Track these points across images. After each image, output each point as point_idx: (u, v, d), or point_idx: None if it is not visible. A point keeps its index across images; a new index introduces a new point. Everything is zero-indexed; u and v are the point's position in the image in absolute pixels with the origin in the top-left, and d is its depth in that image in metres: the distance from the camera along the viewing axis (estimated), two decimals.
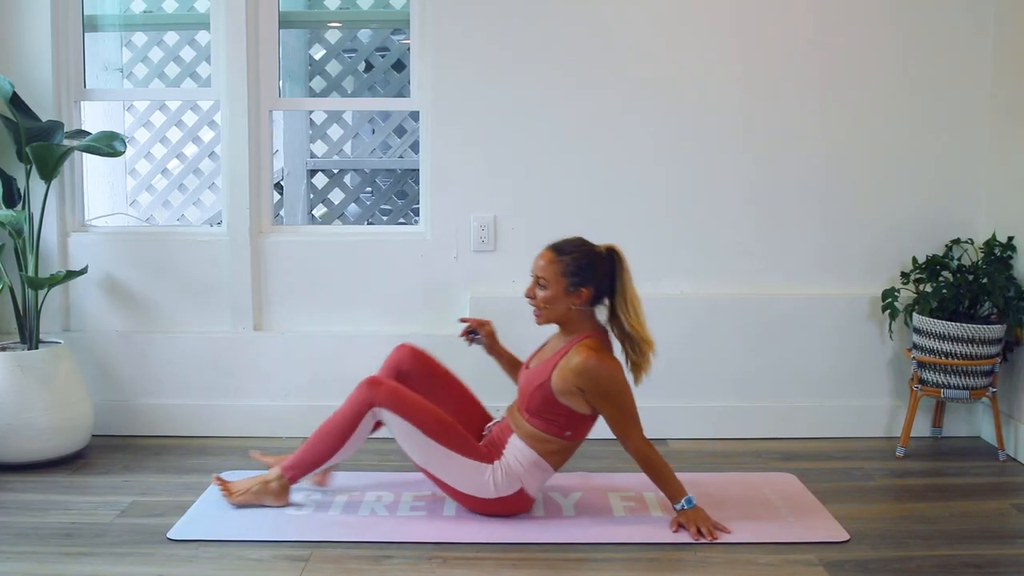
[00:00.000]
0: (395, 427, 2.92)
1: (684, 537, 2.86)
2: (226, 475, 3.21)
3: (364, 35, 6.21)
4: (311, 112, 6.35)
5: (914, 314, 3.70)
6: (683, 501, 2.91)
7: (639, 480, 3.35)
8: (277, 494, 3.03)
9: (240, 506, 3.02)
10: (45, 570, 2.63)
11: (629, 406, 2.92)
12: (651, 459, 2.92)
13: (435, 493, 3.13)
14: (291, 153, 6.30)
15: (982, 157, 3.90)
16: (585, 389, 2.87)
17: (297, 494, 3.16)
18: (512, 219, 3.88)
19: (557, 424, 2.92)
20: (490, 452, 2.96)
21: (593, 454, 3.68)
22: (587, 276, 2.92)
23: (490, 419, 3.19)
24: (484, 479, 2.93)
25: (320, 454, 2.97)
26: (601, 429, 3.86)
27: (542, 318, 2.96)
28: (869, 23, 3.84)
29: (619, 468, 3.52)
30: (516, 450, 2.94)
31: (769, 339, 3.90)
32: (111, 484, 3.33)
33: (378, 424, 2.97)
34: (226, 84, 3.84)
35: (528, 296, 2.95)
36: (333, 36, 6.05)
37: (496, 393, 3.32)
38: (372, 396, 2.91)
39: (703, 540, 2.82)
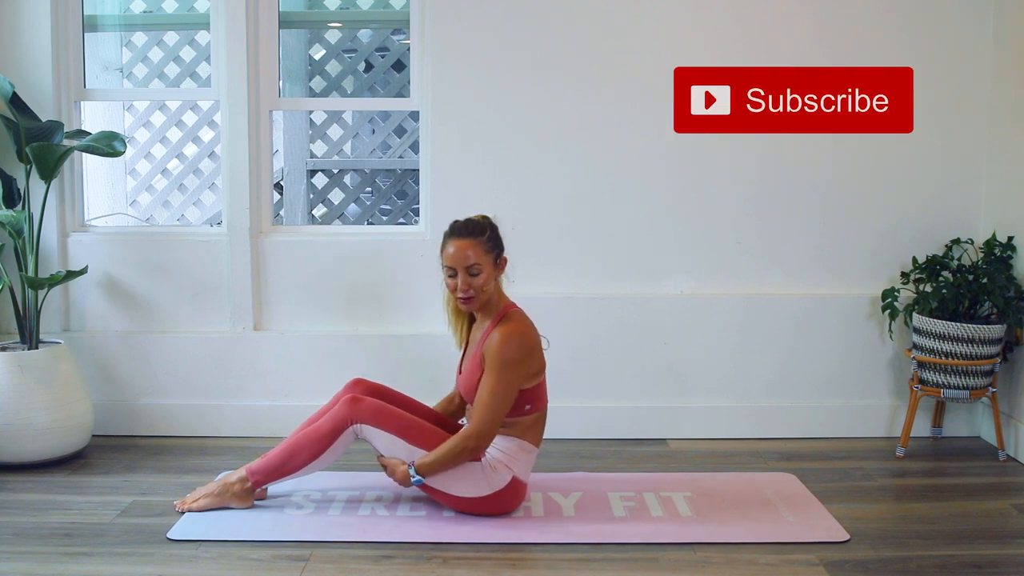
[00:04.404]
0: (379, 441, 2.95)
1: (684, 537, 2.86)
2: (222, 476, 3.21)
3: (364, 35, 6.20)
4: (311, 112, 6.35)
5: (914, 314, 3.70)
6: (417, 476, 2.90)
7: (639, 480, 3.36)
8: (241, 497, 3.02)
9: (202, 510, 3.01)
10: (45, 570, 2.63)
11: (503, 386, 2.87)
12: (461, 446, 2.87)
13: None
14: (291, 153, 6.30)
15: (982, 157, 3.90)
16: (486, 353, 2.89)
17: (297, 494, 3.16)
18: (512, 219, 3.86)
19: (514, 405, 2.93)
20: None
21: (593, 454, 3.68)
22: (501, 245, 3.01)
23: (459, 427, 3.18)
24: (475, 477, 2.94)
25: (291, 464, 2.98)
26: (598, 429, 3.88)
27: (477, 302, 2.96)
28: (870, 24, 3.84)
29: (619, 468, 3.52)
30: (494, 443, 2.96)
31: (769, 339, 3.90)
32: (111, 484, 3.33)
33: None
34: (226, 84, 3.84)
35: (463, 289, 2.93)
36: (333, 36, 6.05)
37: None
38: (353, 413, 2.93)
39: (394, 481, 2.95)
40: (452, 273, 2.95)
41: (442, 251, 2.97)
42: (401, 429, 2.94)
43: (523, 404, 2.96)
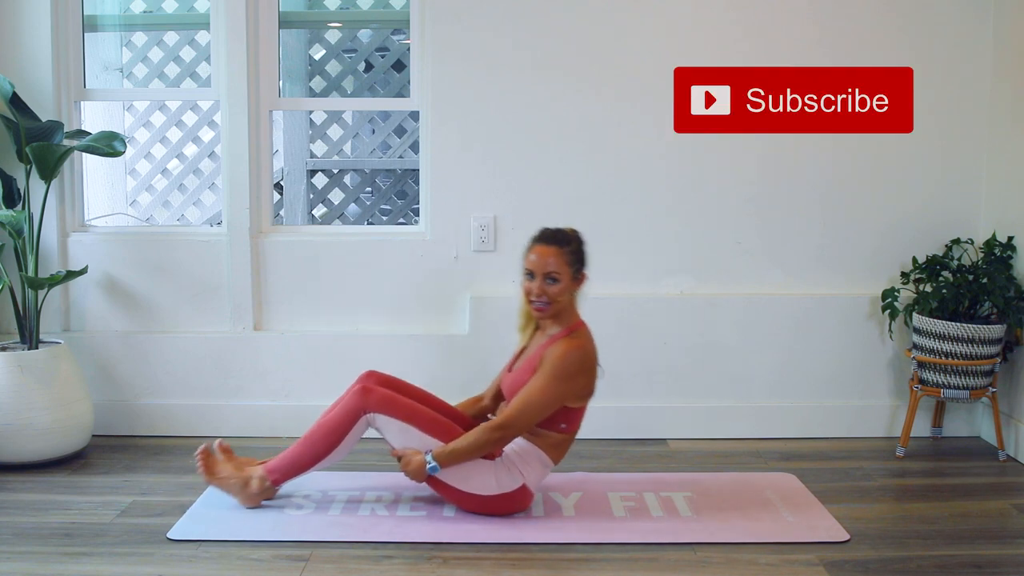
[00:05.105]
0: (391, 430, 2.94)
1: (684, 537, 2.86)
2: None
3: (364, 35, 6.20)
4: (311, 112, 6.35)
5: (914, 314, 3.70)
6: (434, 463, 2.90)
7: (639, 480, 3.36)
8: (254, 496, 3.03)
9: (213, 486, 3.03)
10: (45, 570, 2.63)
11: (548, 392, 2.88)
12: (485, 438, 2.88)
13: (435, 493, 3.11)
14: (291, 153, 6.30)
15: (982, 157, 3.90)
16: (544, 358, 2.89)
17: (297, 494, 3.16)
18: (512, 219, 3.88)
19: (551, 418, 2.93)
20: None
21: (593, 454, 3.68)
22: (584, 260, 3.01)
23: (474, 424, 3.18)
24: (486, 475, 2.94)
25: (308, 459, 2.99)
26: (598, 429, 3.88)
27: (550, 311, 2.96)
28: (870, 24, 3.84)
29: (619, 468, 3.52)
30: (516, 446, 2.96)
31: (769, 339, 3.90)
32: (111, 484, 3.33)
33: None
34: (226, 84, 3.84)
35: (539, 295, 2.94)
36: (333, 36, 6.04)
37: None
38: (364, 403, 2.93)
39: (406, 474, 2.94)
40: (530, 276, 2.95)
41: (525, 255, 2.99)
42: (412, 417, 2.93)
43: (559, 421, 2.96)
